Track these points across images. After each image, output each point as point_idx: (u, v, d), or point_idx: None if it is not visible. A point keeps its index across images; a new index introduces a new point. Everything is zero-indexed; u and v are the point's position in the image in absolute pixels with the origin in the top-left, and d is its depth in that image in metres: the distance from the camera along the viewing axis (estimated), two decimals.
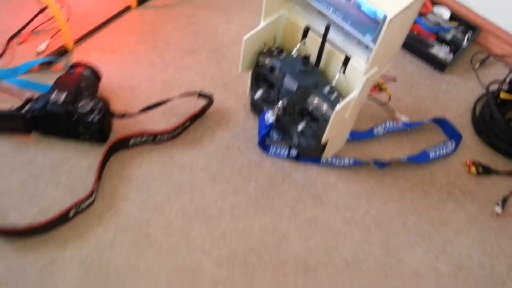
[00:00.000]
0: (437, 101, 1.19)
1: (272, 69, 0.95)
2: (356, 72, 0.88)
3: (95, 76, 1.03)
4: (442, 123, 1.13)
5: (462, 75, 1.25)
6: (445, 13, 1.30)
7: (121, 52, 1.15)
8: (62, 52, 1.11)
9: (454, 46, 1.25)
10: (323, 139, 0.93)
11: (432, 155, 1.08)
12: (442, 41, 1.26)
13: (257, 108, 1.06)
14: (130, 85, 1.10)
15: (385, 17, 0.75)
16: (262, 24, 0.94)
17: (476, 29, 1.29)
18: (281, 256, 0.91)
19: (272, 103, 1.00)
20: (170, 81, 1.12)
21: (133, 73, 1.12)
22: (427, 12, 1.28)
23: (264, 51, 0.96)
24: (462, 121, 1.16)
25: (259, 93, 0.99)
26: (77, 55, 1.12)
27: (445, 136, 1.13)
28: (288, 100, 0.95)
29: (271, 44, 0.98)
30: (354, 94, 0.87)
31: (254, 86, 1.02)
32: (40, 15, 1.15)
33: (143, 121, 1.03)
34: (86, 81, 1.00)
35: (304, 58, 0.90)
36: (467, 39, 1.26)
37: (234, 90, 1.13)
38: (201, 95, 1.07)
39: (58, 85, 0.97)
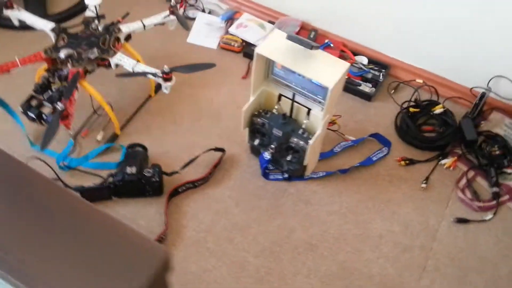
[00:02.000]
0: (370, 122, 1.74)
1: (263, 124, 1.47)
2: (316, 118, 1.42)
3: (145, 150, 1.52)
4: (377, 136, 1.68)
5: (383, 100, 1.81)
6: (364, 60, 1.87)
7: (152, 129, 1.64)
8: (114, 137, 1.59)
9: (374, 82, 1.82)
10: (305, 163, 1.46)
11: (374, 158, 1.62)
12: (365, 80, 1.83)
13: (255, 151, 1.58)
14: (165, 151, 1.59)
15: (327, 88, 1.29)
16: (252, 98, 1.46)
17: (387, 66, 1.86)
18: (293, 243, 1.42)
19: (266, 146, 1.52)
20: (190, 143, 1.62)
21: (164, 143, 1.61)
22: (352, 62, 1.84)
23: (256, 113, 1.48)
24: (389, 132, 1.72)
25: (257, 141, 1.51)
26: (124, 138, 1.61)
27: (380, 144, 1.68)
28: (277, 142, 1.47)
29: (259, 108, 1.50)
30: (318, 132, 1.40)
31: (252, 137, 1.53)
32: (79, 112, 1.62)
33: (182, 174, 1.52)
34: (142, 155, 1.49)
35: (283, 115, 1.43)
36: (382, 75, 1.83)
37: (235, 140, 1.64)
38: (217, 149, 1.58)
39: (126, 161, 1.45)
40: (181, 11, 1.64)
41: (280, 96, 1.46)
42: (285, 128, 1.43)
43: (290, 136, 1.43)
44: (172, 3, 1.59)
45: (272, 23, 1.97)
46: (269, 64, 1.42)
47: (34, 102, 1.43)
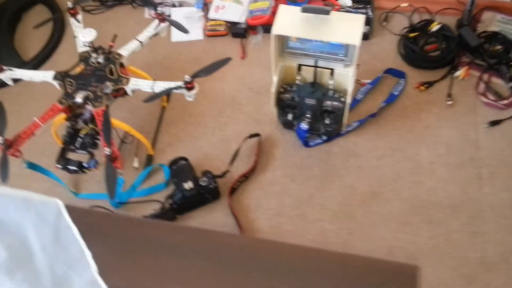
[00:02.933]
0: (376, 59, 1.78)
1: (292, 98, 1.49)
2: (340, 75, 1.45)
3: (187, 161, 1.52)
4: (390, 71, 1.73)
5: (380, 35, 1.85)
6: (348, 1, 1.88)
7: (182, 137, 1.64)
8: (150, 159, 1.59)
9: (366, 20, 1.84)
10: (344, 121, 1.50)
11: (396, 93, 1.68)
12: None
13: (288, 124, 1.60)
14: (203, 154, 1.59)
15: (351, 45, 1.31)
16: (274, 77, 1.47)
17: (370, 1, 1.88)
18: (359, 197, 1.48)
19: (298, 118, 1.54)
20: (223, 138, 1.63)
21: (199, 147, 1.62)
22: (338, 8, 1.86)
23: (281, 90, 1.50)
24: (398, 63, 1.76)
25: (290, 116, 1.53)
26: (159, 156, 1.60)
27: (395, 78, 1.73)
28: (311, 110, 1.50)
29: (281, 84, 1.51)
30: (350, 88, 1.44)
31: (282, 113, 1.55)
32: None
33: (231, 171, 1.54)
34: (187, 167, 1.50)
35: (311, 84, 1.45)
36: (371, 11, 1.86)
37: (263, 120, 1.65)
38: (251, 135, 1.59)
39: (177, 178, 1.46)
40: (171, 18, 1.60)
41: (299, 66, 1.47)
42: (316, 95, 1.46)
43: (323, 100, 1.46)
44: (159, 11, 1.55)
45: None
46: (282, 40, 1.42)
47: (69, 155, 1.40)
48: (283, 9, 1.36)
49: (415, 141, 1.58)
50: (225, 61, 1.43)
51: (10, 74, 1.48)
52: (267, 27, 1.84)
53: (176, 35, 1.89)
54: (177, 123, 1.68)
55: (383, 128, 1.61)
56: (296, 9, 1.32)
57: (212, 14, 1.89)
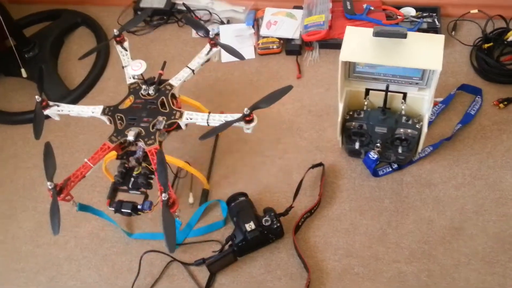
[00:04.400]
0: (446, 73, 1.62)
1: (361, 126, 1.35)
2: (414, 100, 1.30)
3: (246, 197, 1.41)
4: (463, 87, 1.56)
5: (448, 46, 1.68)
6: (412, 11, 1.72)
7: (238, 169, 1.53)
8: (206, 194, 1.48)
9: (433, 30, 1.68)
10: (419, 149, 1.35)
11: (472, 112, 1.51)
12: (423, 31, 1.69)
13: (355, 153, 1.46)
14: (263, 187, 1.48)
15: (435, 70, 1.16)
16: (340, 105, 1.34)
17: (436, 8, 1.72)
18: (438, 233, 1.33)
19: (366, 146, 1.40)
20: (283, 168, 1.51)
21: (258, 178, 1.50)
22: (401, 19, 1.70)
23: (347, 118, 1.36)
24: (471, 77, 1.60)
25: (357, 145, 1.39)
26: (215, 190, 1.49)
27: (469, 95, 1.56)
28: (381, 139, 1.35)
29: (347, 111, 1.38)
30: (427, 114, 1.29)
31: (349, 141, 1.42)
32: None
33: (295, 206, 1.41)
34: (247, 204, 1.38)
35: (382, 110, 1.31)
36: (437, 20, 1.69)
37: (327, 148, 1.52)
38: (314, 166, 1.47)
39: (237, 218, 1.34)
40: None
41: (367, 90, 1.33)
42: (387, 122, 1.32)
43: (395, 128, 1.32)
44: (210, 35, 1.43)
45: (299, 7, 1.81)
46: (349, 64, 1.28)
47: (118, 196, 1.31)
48: (350, 31, 1.22)
49: (497, 166, 1.42)
50: (286, 90, 1.30)
51: (56, 110, 1.39)
52: (324, 43, 1.71)
53: (226, 56, 1.76)
54: (232, 152, 1.57)
55: (460, 153, 1.46)
56: (367, 32, 1.18)
57: (263, 31, 1.77)
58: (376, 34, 1.15)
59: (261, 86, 1.69)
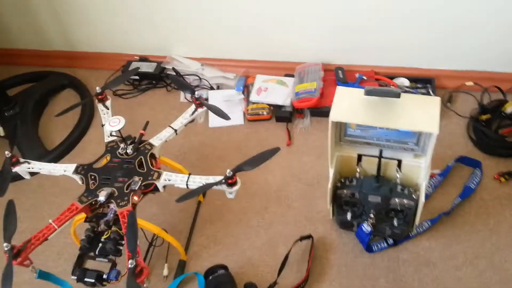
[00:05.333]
0: (442, 145, 1.54)
1: (353, 194, 1.25)
2: (410, 167, 1.21)
3: (226, 270, 1.27)
4: (462, 159, 1.48)
5: (444, 117, 1.62)
6: (405, 81, 1.68)
7: (220, 239, 1.40)
8: (182, 265, 1.34)
9: None
10: (416, 222, 1.24)
11: (472, 186, 1.42)
12: None
13: (346, 225, 1.35)
14: (246, 260, 1.34)
15: (431, 134, 1.08)
16: (331, 170, 1.24)
17: (431, 80, 1.68)
18: None
19: (359, 217, 1.29)
20: (269, 240, 1.38)
21: (241, 250, 1.37)
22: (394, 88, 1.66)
23: (338, 185, 1.26)
24: (468, 149, 1.52)
25: (349, 215, 1.28)
26: (193, 262, 1.36)
27: (468, 167, 1.47)
28: (375, 209, 1.25)
29: (338, 177, 1.28)
30: (424, 183, 1.19)
31: (340, 211, 1.31)
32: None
33: (279, 282, 1.27)
34: (226, 278, 1.24)
35: (376, 177, 1.21)
36: (432, 91, 1.64)
37: (316, 219, 1.41)
38: (302, 238, 1.34)
39: None
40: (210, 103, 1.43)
41: (360, 156, 1.25)
42: (381, 191, 1.21)
43: (390, 197, 1.21)
44: (196, 96, 1.37)
45: (291, 75, 1.77)
46: (340, 127, 1.21)
47: (86, 264, 1.17)
48: (341, 91, 1.16)
49: (502, 244, 1.30)
50: (273, 152, 1.22)
51: (27, 167, 1.29)
52: (315, 110, 1.65)
53: (214, 120, 1.71)
54: (214, 221, 1.45)
55: (461, 229, 1.34)
56: (358, 92, 1.11)
57: (254, 97, 1.71)
58: (368, 93, 1.08)
59: (249, 152, 1.59)
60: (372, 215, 1.25)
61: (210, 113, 1.68)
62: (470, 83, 1.67)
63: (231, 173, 1.16)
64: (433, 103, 1.10)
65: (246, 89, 1.77)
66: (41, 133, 1.77)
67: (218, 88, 1.83)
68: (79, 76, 1.94)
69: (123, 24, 1.86)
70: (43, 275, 1.23)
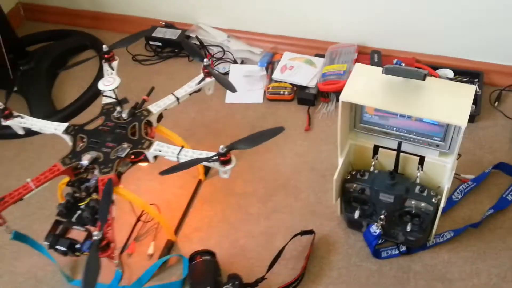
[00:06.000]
0: (483, 148, 1.35)
1: (362, 190, 1.09)
2: (433, 166, 1.04)
3: (213, 257, 1.15)
4: (502, 166, 1.28)
5: (489, 117, 1.42)
6: (449, 73, 1.48)
7: (215, 223, 1.28)
8: (170, 246, 1.23)
9: None
10: (434, 228, 1.07)
11: (510, 198, 1.22)
12: None
13: (355, 224, 1.19)
14: (238, 249, 1.21)
15: (456, 126, 0.91)
16: (340, 160, 1.09)
17: (479, 74, 1.47)
18: None
19: (369, 217, 1.13)
20: (267, 231, 1.24)
21: (234, 238, 1.24)
22: None
23: (348, 178, 1.11)
24: None
25: (357, 213, 1.12)
26: (182, 243, 1.24)
27: (508, 176, 1.28)
28: (387, 210, 1.08)
29: (349, 169, 1.12)
30: (447, 186, 1.02)
31: (348, 208, 1.15)
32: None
33: (269, 278, 1.14)
34: (211, 265, 1.12)
35: (391, 173, 1.05)
36: (478, 86, 1.44)
37: (323, 214, 1.26)
38: (303, 232, 1.20)
39: (193, 280, 1.08)
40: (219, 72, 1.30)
41: (376, 148, 1.08)
42: (395, 189, 1.05)
43: (405, 198, 1.05)
44: (205, 63, 1.24)
45: (321, 56, 1.61)
46: (355, 111, 1.05)
47: (61, 230, 1.08)
48: (360, 68, 1.00)
49: None
50: (275, 132, 1.08)
51: (19, 121, 1.22)
52: None
53: (231, 96, 1.58)
54: (213, 203, 1.33)
55: (488, 245, 1.16)
56: (377, 70, 0.95)
57: (277, 75, 1.57)
58: (387, 71, 0.91)
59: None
60: (382, 216, 1.09)
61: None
62: None
63: (225, 149, 1.03)
64: (466, 91, 0.93)
65: (270, 66, 1.62)
66: (54, 92, 1.71)
67: (242, 62, 1.69)
68: (102, 38, 1.86)
69: None
70: (19, 237, 1.16)
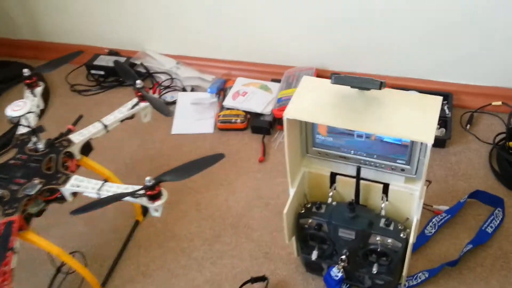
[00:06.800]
0: (456, 176, 1.21)
1: (319, 226, 0.92)
2: (400, 195, 0.88)
3: None
4: (479, 195, 1.13)
5: (461, 142, 1.29)
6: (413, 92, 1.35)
7: (151, 272, 1.09)
8: None
9: (441, 120, 1.29)
10: (405, 269, 0.90)
11: (490, 230, 1.07)
12: None
13: (314, 267, 1.02)
14: None
15: (426, 144, 0.76)
16: (292, 191, 0.93)
17: (448, 95, 1.35)
18: None
19: (329, 258, 0.96)
20: (213, 279, 1.06)
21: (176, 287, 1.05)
22: None
23: (302, 212, 0.94)
24: (489, 183, 1.18)
25: (315, 254, 0.95)
26: None
27: (486, 206, 1.13)
28: (349, 248, 0.91)
29: (304, 202, 0.96)
30: (416, 217, 0.86)
31: (305, 248, 0.98)
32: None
33: None
34: None
35: (350, 205, 0.88)
36: (448, 109, 1.31)
37: (278, 256, 1.08)
38: (255, 280, 1.02)
39: None
40: (155, 96, 1.15)
41: (333, 175, 0.92)
42: (357, 224, 0.88)
43: (369, 234, 0.88)
44: (137, 85, 1.09)
45: (278, 81, 1.47)
46: (306, 132, 0.89)
47: None
48: (307, 81, 0.85)
49: None
50: (213, 160, 0.92)
51: None
52: None
53: (178, 126, 1.42)
54: (151, 248, 1.14)
55: (469, 287, 0.99)
56: (328, 83, 0.80)
57: (228, 101, 1.42)
58: (336, 80, 0.77)
59: (212, 167, 1.30)
60: (344, 257, 0.92)
61: (175, 118, 1.41)
62: (497, 103, 1.34)
63: (153, 181, 0.86)
64: (431, 103, 0.79)
65: (222, 93, 1.48)
66: None
67: (192, 90, 1.54)
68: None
69: (94, 14, 1.62)
70: None
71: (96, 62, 1.62)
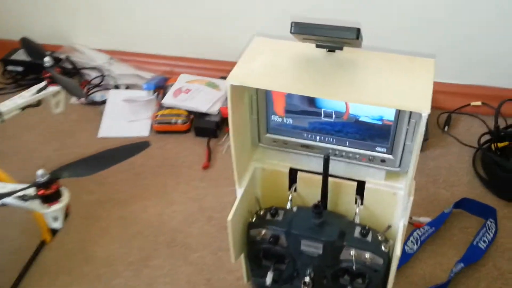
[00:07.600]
0: (437, 183, 1.02)
1: (275, 238, 0.70)
2: (378, 194, 0.68)
3: None
4: (464, 204, 0.95)
5: (441, 145, 1.12)
6: None
7: None
8: None
9: None
10: None
11: (482, 245, 0.88)
12: None
13: None
14: None
15: (413, 124, 0.56)
16: (240, 192, 0.71)
17: None
18: None
19: (288, 281, 0.74)
20: None
21: None
22: None
23: (253, 221, 0.72)
24: (475, 190, 1.00)
25: (270, 277, 0.72)
26: None
27: (476, 217, 0.94)
28: (314, 267, 0.69)
29: (256, 208, 0.74)
30: (402, 224, 0.65)
31: (256, 270, 0.75)
32: None
33: None
34: None
35: (315, 208, 0.67)
36: None
37: (224, 282, 0.85)
38: None
39: None
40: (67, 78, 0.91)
41: (293, 172, 0.71)
42: (324, 233, 0.67)
43: (340, 247, 0.66)
44: (46, 63, 0.85)
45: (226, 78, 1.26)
46: (257, 111, 0.68)
47: None
48: (259, 42, 0.64)
49: None
50: (134, 149, 0.69)
51: None
52: None
53: (106, 128, 1.18)
54: (58, 275, 0.88)
55: None
56: (284, 43, 0.60)
57: (168, 99, 1.20)
58: (297, 29, 0.56)
59: (143, 174, 1.07)
60: (308, 279, 0.69)
61: (103, 120, 1.17)
62: (477, 103, 1.18)
63: (47, 176, 0.62)
64: (422, 65, 0.59)
65: (161, 91, 1.25)
66: None
67: (127, 89, 1.31)
68: None
69: (14, 3, 1.39)
70: None
71: (14, 57, 1.38)
